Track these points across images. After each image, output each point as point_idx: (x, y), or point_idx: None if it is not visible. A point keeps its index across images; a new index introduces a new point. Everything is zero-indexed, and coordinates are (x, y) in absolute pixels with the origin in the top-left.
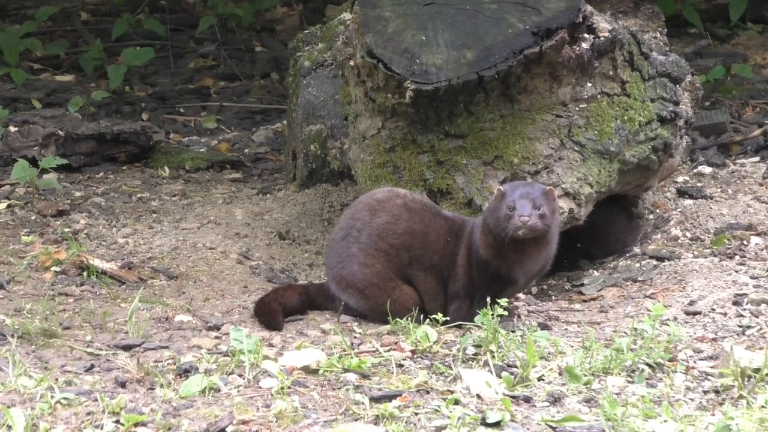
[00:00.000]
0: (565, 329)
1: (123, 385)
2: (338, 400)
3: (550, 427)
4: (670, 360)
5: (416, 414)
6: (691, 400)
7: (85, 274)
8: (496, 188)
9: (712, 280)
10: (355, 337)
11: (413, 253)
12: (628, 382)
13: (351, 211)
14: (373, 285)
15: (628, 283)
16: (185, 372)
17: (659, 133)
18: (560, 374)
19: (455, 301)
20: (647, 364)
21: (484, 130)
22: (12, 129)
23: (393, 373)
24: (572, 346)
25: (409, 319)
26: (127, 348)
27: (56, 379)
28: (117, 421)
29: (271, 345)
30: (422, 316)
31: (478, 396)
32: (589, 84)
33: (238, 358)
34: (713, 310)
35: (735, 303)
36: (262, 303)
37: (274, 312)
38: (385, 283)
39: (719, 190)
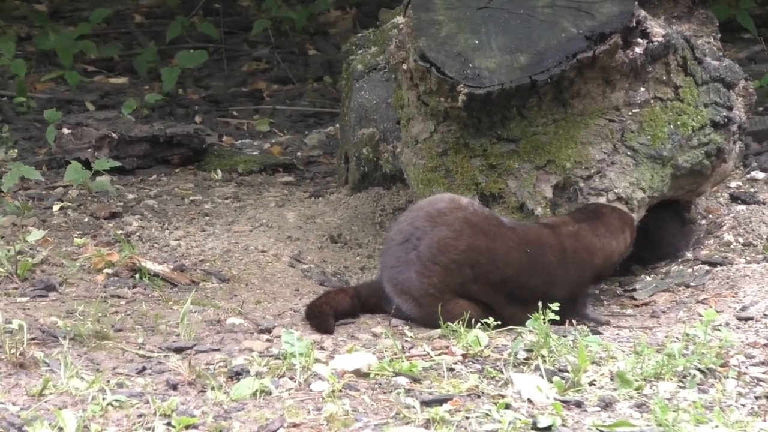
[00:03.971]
0: (617, 334)
1: (174, 387)
2: (389, 404)
3: None
4: (722, 365)
5: (467, 418)
6: (743, 405)
7: (137, 276)
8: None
9: (764, 286)
10: (406, 341)
11: (478, 269)
12: (680, 387)
13: (411, 216)
14: (429, 295)
15: (680, 289)
16: (236, 375)
17: (712, 138)
18: (612, 379)
19: (574, 300)
20: (699, 370)
21: (536, 135)
22: (65, 131)
23: (444, 377)
24: (624, 351)
25: (461, 323)
26: (178, 350)
27: (108, 381)
28: (168, 424)
29: (322, 348)
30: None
31: (529, 400)
32: (643, 89)
33: (290, 361)
34: (765, 315)
35: None
36: (314, 306)
37: (326, 315)
38: (441, 294)
39: None
